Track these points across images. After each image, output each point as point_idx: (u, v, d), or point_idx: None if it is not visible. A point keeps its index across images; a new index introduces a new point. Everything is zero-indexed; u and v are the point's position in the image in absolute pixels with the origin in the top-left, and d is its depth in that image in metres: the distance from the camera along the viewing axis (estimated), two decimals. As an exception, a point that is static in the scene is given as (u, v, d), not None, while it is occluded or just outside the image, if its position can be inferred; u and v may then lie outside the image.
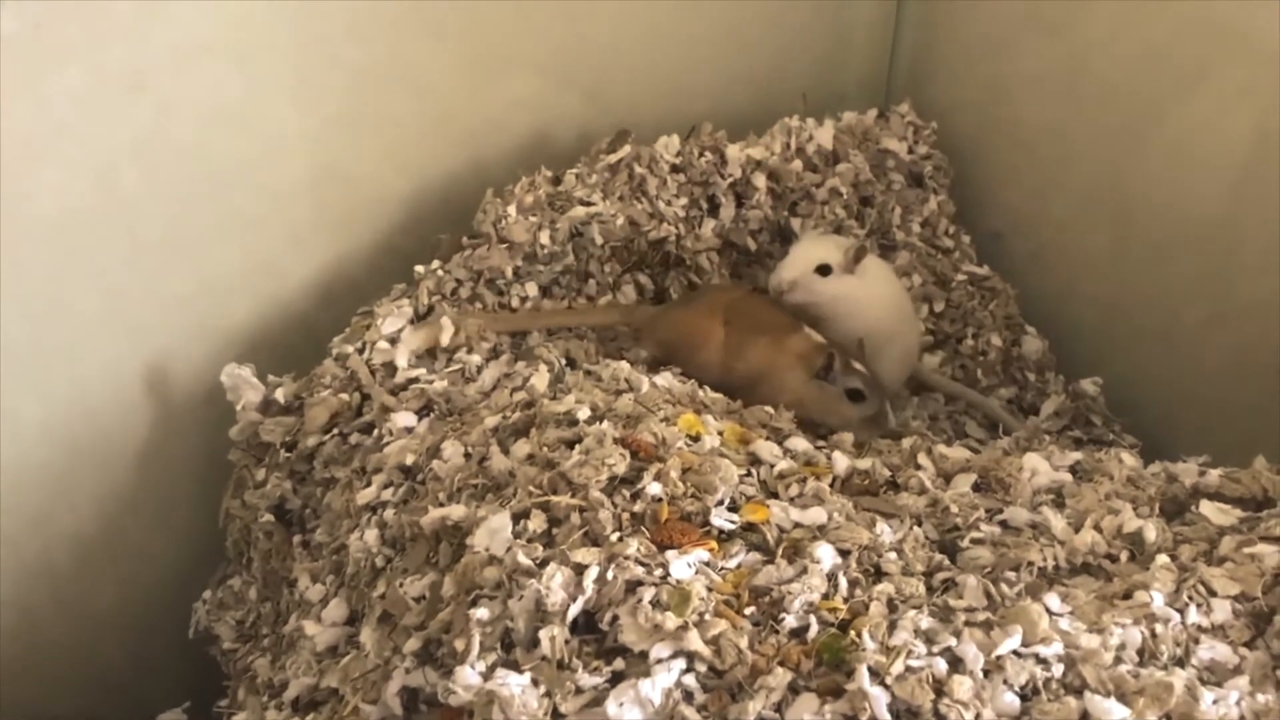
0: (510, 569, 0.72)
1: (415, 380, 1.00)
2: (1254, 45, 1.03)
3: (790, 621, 0.69)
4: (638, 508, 0.76)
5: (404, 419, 0.95)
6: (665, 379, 0.97)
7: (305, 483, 1.01)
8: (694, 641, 0.66)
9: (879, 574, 0.75)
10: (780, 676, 0.65)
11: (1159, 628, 0.71)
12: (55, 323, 1.01)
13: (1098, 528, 0.80)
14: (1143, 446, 1.11)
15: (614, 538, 0.74)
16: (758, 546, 0.76)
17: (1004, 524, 0.82)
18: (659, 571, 0.71)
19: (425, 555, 0.81)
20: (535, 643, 0.68)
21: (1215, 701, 0.65)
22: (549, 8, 1.19)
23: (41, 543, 1.08)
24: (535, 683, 0.66)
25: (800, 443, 0.89)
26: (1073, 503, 0.83)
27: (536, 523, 0.76)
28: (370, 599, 0.82)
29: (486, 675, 0.67)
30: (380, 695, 0.73)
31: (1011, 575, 0.75)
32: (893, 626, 0.68)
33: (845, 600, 0.71)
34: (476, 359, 1.03)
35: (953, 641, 0.67)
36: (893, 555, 0.76)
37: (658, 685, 0.65)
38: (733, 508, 0.79)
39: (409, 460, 0.89)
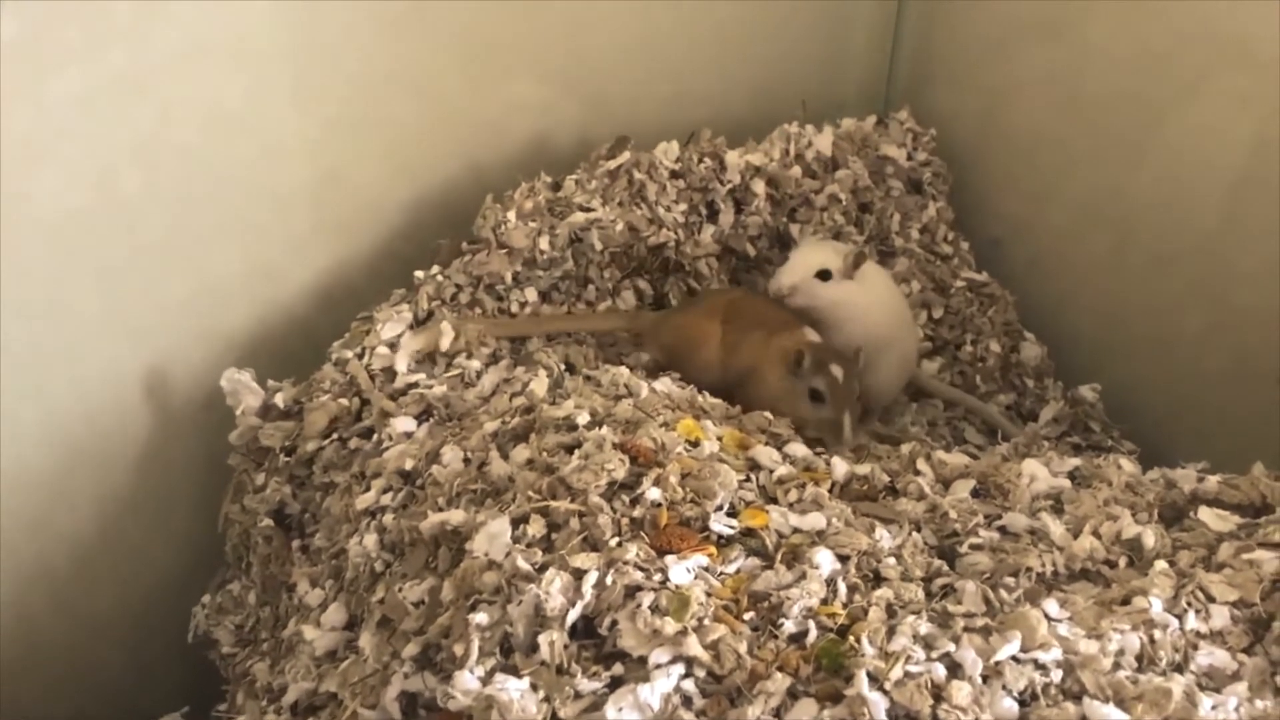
0: (509, 574, 0.72)
1: (415, 385, 1.00)
2: (1253, 52, 1.03)
3: (789, 627, 0.69)
4: (637, 513, 0.76)
5: (403, 424, 0.95)
6: (664, 384, 0.97)
7: (305, 487, 1.01)
8: (693, 647, 0.66)
9: (878, 579, 0.75)
10: (779, 682, 0.65)
11: (1158, 634, 0.71)
12: (55, 325, 1.01)
13: (1096, 534, 0.80)
14: (1141, 453, 1.11)
15: (613, 543, 0.74)
16: (757, 552, 0.76)
17: (1003, 530, 0.82)
18: (658, 576, 0.71)
19: (424, 560, 0.81)
20: (534, 648, 0.68)
21: (1214, 707, 0.65)
22: (549, 13, 1.20)
23: (40, 546, 1.08)
24: (534, 688, 0.66)
25: (799, 448, 0.89)
26: (1071, 509, 0.83)
27: (536, 528, 0.76)
28: (369, 604, 0.82)
29: (485, 680, 0.67)
30: (379, 700, 0.73)
31: (1010, 581, 0.76)
32: (891, 632, 0.68)
33: (844, 605, 0.71)
34: (476, 364, 1.03)
35: (951, 647, 0.67)
36: (892, 561, 0.76)
37: (656, 690, 0.65)
38: (732, 513, 0.79)
39: (408, 465, 0.89)
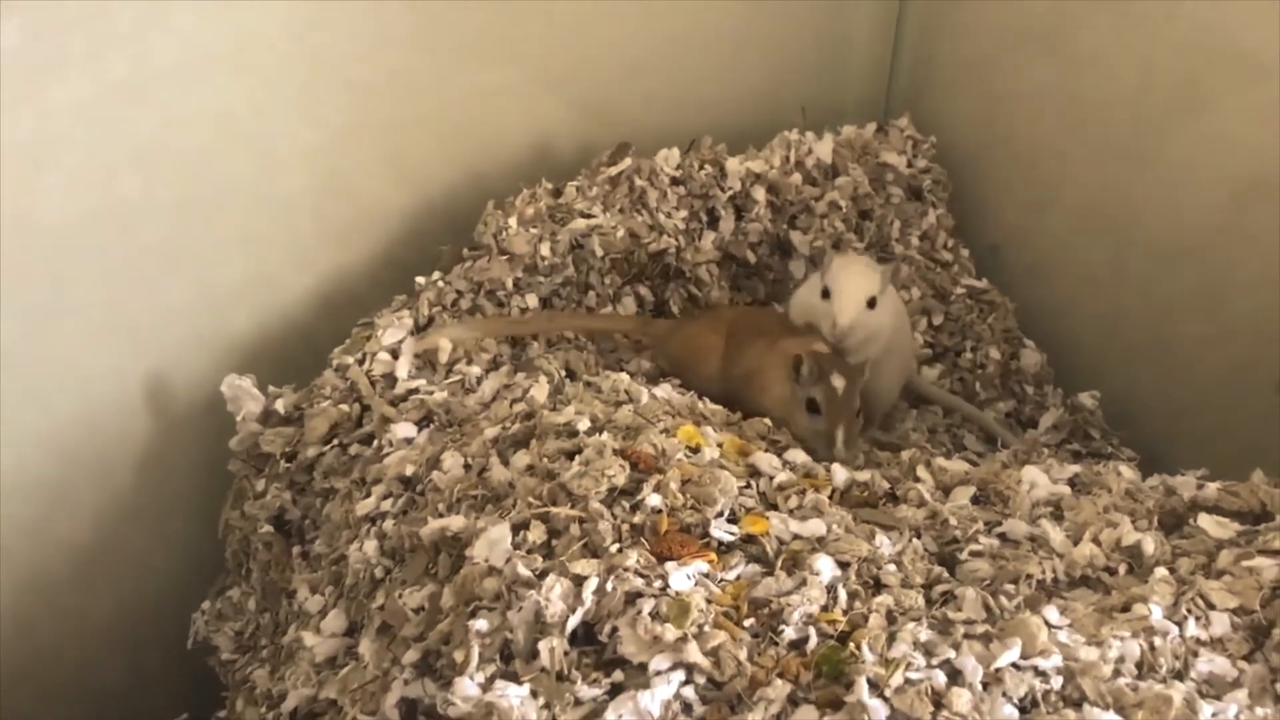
0: (509, 580, 0.72)
1: (415, 391, 1.00)
2: (1252, 62, 1.03)
3: (789, 633, 0.69)
4: (637, 519, 0.76)
5: (404, 430, 0.95)
6: (665, 390, 0.97)
7: (305, 493, 1.01)
8: (693, 653, 0.66)
9: (878, 586, 0.75)
10: (779, 688, 0.65)
11: (1158, 641, 0.71)
12: (56, 331, 1.01)
13: (1096, 540, 0.80)
14: (1141, 460, 1.11)
15: (613, 549, 0.74)
16: (757, 558, 0.76)
17: (1003, 536, 0.82)
18: (658, 583, 0.71)
19: (424, 566, 0.81)
20: (534, 654, 0.68)
21: (1214, 715, 0.65)
22: (551, 21, 1.20)
23: (40, 552, 1.08)
24: (534, 694, 0.66)
25: (800, 455, 0.89)
26: (1071, 515, 0.83)
27: (536, 534, 0.76)
28: (369, 610, 0.82)
29: (485, 687, 0.67)
30: (379, 706, 0.73)
31: (1010, 588, 0.76)
32: (892, 638, 0.68)
33: (844, 612, 0.71)
34: (476, 370, 1.03)
35: (952, 654, 0.67)
36: (892, 567, 0.76)
37: (657, 697, 0.65)
38: (732, 519, 0.79)
39: (409, 471, 0.90)
